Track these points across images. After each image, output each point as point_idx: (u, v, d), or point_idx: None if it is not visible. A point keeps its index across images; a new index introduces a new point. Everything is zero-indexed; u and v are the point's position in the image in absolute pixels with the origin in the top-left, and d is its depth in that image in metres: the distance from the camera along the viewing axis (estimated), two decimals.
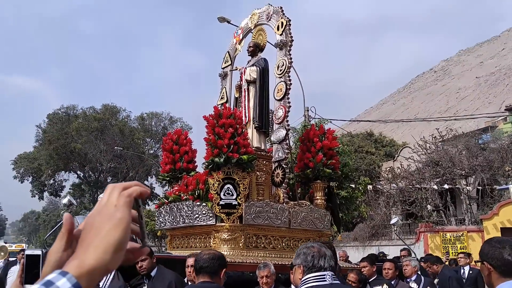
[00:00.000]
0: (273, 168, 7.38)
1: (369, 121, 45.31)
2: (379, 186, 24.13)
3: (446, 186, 21.69)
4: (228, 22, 19.00)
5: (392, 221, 13.51)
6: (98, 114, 44.59)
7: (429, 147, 25.34)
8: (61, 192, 51.30)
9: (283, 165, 7.12)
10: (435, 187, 22.06)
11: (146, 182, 48.84)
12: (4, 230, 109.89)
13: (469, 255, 11.10)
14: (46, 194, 51.03)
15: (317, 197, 7.39)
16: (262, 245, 6.71)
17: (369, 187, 22.81)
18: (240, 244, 6.47)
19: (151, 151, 47.82)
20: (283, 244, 6.95)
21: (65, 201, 7.77)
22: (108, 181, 45.63)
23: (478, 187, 22.49)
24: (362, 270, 5.97)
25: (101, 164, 44.22)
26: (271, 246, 6.79)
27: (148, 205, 49.42)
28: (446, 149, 24.15)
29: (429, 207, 23.51)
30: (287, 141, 7.29)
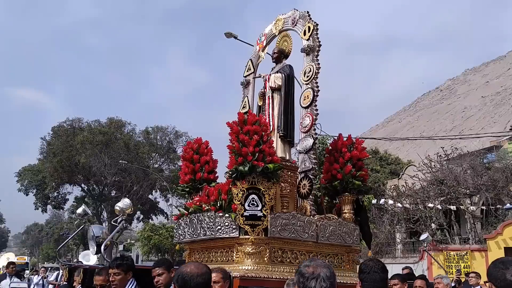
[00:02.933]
0: (298, 179, 7.07)
1: (375, 138, 45.09)
2: (382, 203, 23.96)
3: (452, 207, 21.58)
4: (235, 37, 18.89)
5: (422, 237, 13.20)
6: (103, 128, 44.52)
7: (434, 165, 25.40)
8: (64, 205, 51.12)
9: (309, 175, 6.80)
10: (439, 207, 21.98)
11: (150, 196, 48.62)
12: (7, 243, 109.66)
13: (479, 275, 10.84)
14: (49, 207, 50.84)
15: (345, 211, 7.00)
16: (288, 260, 6.31)
17: (374, 201, 22.64)
18: (265, 259, 6.07)
19: (156, 165, 47.58)
20: None
21: (79, 210, 7.47)
22: (112, 194, 45.42)
23: (482, 207, 22.42)
24: None
25: (105, 178, 43.98)
26: (297, 261, 6.38)
27: (152, 219, 49.29)
28: (451, 168, 24.19)
29: (433, 225, 23.41)
30: (315, 150, 6.98)
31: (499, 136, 34.99)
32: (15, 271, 12.22)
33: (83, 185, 47.01)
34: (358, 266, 7.33)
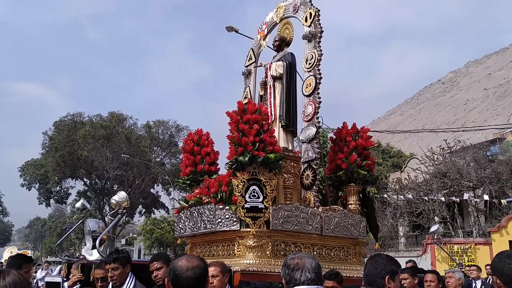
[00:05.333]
0: (302, 169, 6.86)
1: (377, 131, 44.88)
2: (385, 195, 23.78)
3: (454, 198, 21.40)
4: (236, 31, 18.71)
5: (432, 229, 13.04)
6: (105, 122, 44.39)
7: (437, 158, 25.22)
8: (67, 199, 51.14)
9: (313, 166, 6.58)
10: (443, 199, 21.83)
11: (152, 190, 48.54)
12: (10, 237, 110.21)
13: (480, 268, 10.81)
14: (52, 201, 50.84)
15: (351, 202, 6.79)
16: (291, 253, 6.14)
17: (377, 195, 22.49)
18: (267, 252, 5.88)
19: (158, 159, 47.49)
20: (314, 252, 6.29)
21: (78, 204, 7.29)
22: (115, 188, 45.32)
23: (486, 199, 22.25)
24: (402, 282, 5.43)
25: (107, 172, 43.89)
26: None
27: (154, 213, 49.27)
28: (454, 160, 24.00)
29: (436, 218, 23.25)
30: (318, 139, 6.76)
31: (502, 129, 34.80)
32: None
33: (85, 179, 46.91)
34: (365, 259, 7.16)
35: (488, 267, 11.64)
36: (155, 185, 48.35)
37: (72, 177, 46.42)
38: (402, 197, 23.52)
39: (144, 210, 49.71)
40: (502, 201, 21.15)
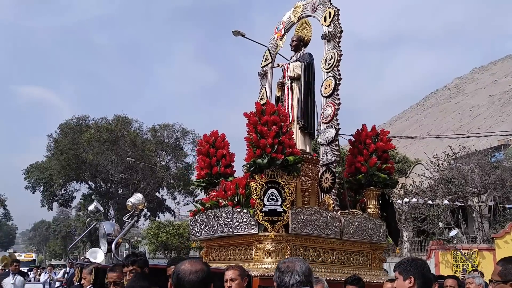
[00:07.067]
0: (320, 172, 6.72)
1: None
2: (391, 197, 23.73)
3: (458, 203, 21.37)
4: (243, 35, 18.66)
5: (452, 233, 12.90)
6: (110, 125, 44.39)
7: (442, 164, 25.25)
8: (71, 202, 51.08)
9: (332, 168, 6.44)
10: (447, 202, 21.79)
11: (157, 194, 48.44)
12: (14, 240, 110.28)
13: (483, 274, 10.64)
14: (55, 204, 50.77)
15: (370, 206, 6.64)
16: (310, 258, 5.89)
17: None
18: (286, 257, 5.67)
19: (163, 163, 47.43)
20: (334, 257, 6.16)
21: (91, 208, 7.17)
22: (119, 192, 45.27)
23: (490, 203, 22.24)
24: None
25: (112, 175, 43.84)
26: (320, 259, 6.01)
27: (158, 217, 49.15)
28: (459, 166, 24.06)
29: (440, 224, 23.20)
30: (337, 142, 6.62)
31: (507, 135, 34.79)
32: (18, 269, 11.88)
33: (90, 183, 46.93)
34: (384, 264, 7.01)
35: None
36: (160, 189, 48.31)
37: (77, 180, 46.48)
38: (406, 199, 23.47)
39: (149, 213, 49.65)
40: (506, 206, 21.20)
